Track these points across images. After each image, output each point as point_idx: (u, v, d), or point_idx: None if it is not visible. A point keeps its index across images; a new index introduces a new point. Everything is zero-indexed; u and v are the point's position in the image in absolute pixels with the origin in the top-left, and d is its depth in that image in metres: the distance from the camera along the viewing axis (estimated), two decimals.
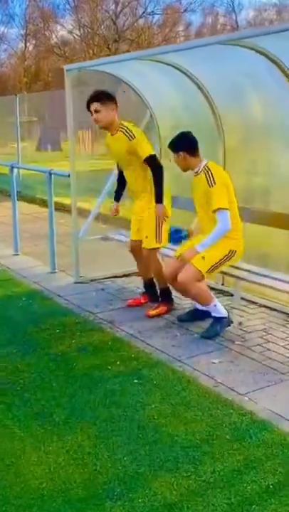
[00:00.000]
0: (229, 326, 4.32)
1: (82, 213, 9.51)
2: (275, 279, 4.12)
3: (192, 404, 3.27)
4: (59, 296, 5.34)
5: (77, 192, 10.89)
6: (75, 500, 2.48)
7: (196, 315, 4.50)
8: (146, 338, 4.26)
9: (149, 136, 5.02)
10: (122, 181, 5.02)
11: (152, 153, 4.52)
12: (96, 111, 4.46)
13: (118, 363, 3.85)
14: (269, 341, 4.18)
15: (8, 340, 4.29)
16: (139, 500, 2.47)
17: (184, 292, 4.34)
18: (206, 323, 4.38)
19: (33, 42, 43.56)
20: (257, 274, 4.28)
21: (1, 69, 46.35)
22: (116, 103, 4.54)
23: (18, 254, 6.95)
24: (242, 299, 5.03)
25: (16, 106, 13.06)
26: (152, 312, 4.70)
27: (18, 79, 41.42)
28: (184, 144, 4.29)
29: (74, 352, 4.05)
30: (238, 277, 4.42)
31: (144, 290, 5.06)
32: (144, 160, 4.50)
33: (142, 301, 4.97)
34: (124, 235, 5.75)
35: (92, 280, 5.81)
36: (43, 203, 9.16)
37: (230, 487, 2.55)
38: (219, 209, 4.09)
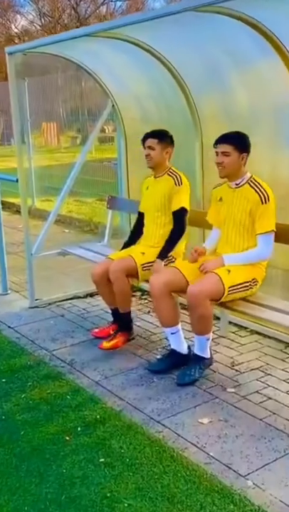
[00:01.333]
0: (209, 366, 3.47)
1: (43, 215, 8.63)
2: (275, 309, 3.26)
3: (178, 499, 2.41)
4: (9, 327, 4.41)
5: (37, 191, 10.05)
6: None
7: (173, 361, 3.57)
8: (115, 388, 3.38)
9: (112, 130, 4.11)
10: (139, 228, 4.15)
11: (187, 207, 3.84)
12: (150, 147, 3.87)
13: (79, 429, 2.96)
14: (269, 385, 3.34)
15: None
16: None
17: (191, 308, 3.26)
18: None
19: None
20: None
21: None
22: (172, 147, 3.94)
23: None
24: (230, 323, 4.20)
25: None
26: (106, 345, 3.84)
27: None
28: (247, 145, 3.38)
29: (23, 412, 3.15)
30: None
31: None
32: (175, 211, 3.83)
33: (111, 331, 4.07)
34: (86, 249, 4.85)
35: (49, 304, 4.89)
36: (6, 207, 8.17)
37: None
38: (267, 232, 3.27)
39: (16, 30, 38.82)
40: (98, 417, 3.07)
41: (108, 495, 2.45)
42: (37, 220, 8.68)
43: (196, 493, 2.44)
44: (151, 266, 3.75)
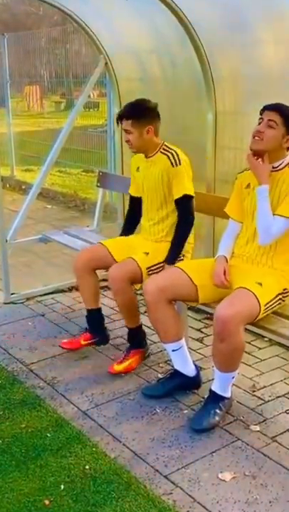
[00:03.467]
0: (230, 407, 2.73)
1: (24, 188, 7.80)
2: None
3: None
4: None
5: (17, 160, 9.17)
6: None
7: (177, 384, 2.88)
8: (108, 422, 2.67)
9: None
10: (135, 216, 3.39)
11: (192, 193, 3.05)
12: (127, 131, 3.06)
13: (62, 487, 2.25)
14: None
15: None
16: None
17: (220, 337, 2.48)
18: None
19: None
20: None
21: None
22: (155, 121, 3.06)
23: None
24: (246, 330, 3.48)
25: None
26: (118, 368, 3.09)
27: None
28: None
29: None
30: None
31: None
32: (177, 199, 3.05)
33: (83, 342, 3.33)
34: (71, 235, 4.09)
35: (28, 299, 4.14)
36: None
37: None
38: None
39: None
40: (87, 467, 2.36)
41: None
42: (17, 193, 7.88)
43: None
44: (158, 269, 3.00)
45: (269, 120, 2.53)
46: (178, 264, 2.88)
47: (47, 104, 15.21)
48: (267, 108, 2.56)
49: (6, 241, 4.00)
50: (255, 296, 2.48)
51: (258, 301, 2.48)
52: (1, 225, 3.97)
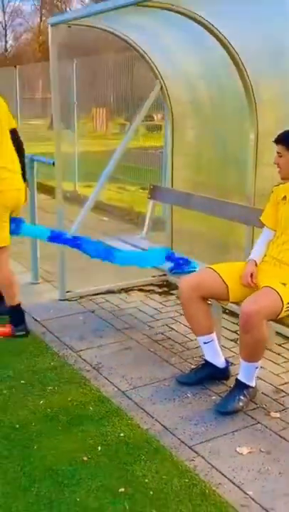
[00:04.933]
0: (253, 398, 3.02)
1: (84, 201, 8.30)
2: None
3: None
4: (35, 320, 4.10)
5: (80, 177, 9.73)
6: None
7: (207, 374, 3.20)
8: (144, 402, 3.01)
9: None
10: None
11: None
12: (278, 154, 3.06)
13: (99, 449, 2.61)
14: None
15: None
16: None
17: (244, 330, 2.77)
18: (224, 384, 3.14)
19: (49, 16, 42.15)
20: None
21: (16, 44, 45.25)
22: None
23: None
24: (278, 333, 3.76)
25: (15, 79, 11.72)
26: None
27: (33, 54, 40.15)
28: None
29: (39, 422, 2.82)
30: None
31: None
32: None
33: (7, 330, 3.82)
34: (124, 241, 4.49)
35: (81, 297, 4.56)
36: (47, 191, 7.88)
37: None
38: None
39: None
40: (122, 435, 2.71)
41: None
42: (77, 206, 8.39)
43: None
44: None
45: (277, 152, 3.01)
46: (211, 265, 3.21)
47: (112, 125, 15.79)
48: (274, 141, 3.02)
49: None
50: (279, 294, 2.78)
51: (281, 299, 2.78)
52: (61, 228, 4.43)
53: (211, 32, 3.60)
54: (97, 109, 15.01)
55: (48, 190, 7.82)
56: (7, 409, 2.94)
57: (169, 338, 3.82)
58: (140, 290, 4.79)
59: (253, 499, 2.28)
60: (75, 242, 3.95)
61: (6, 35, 46.19)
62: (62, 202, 4.40)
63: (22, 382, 3.22)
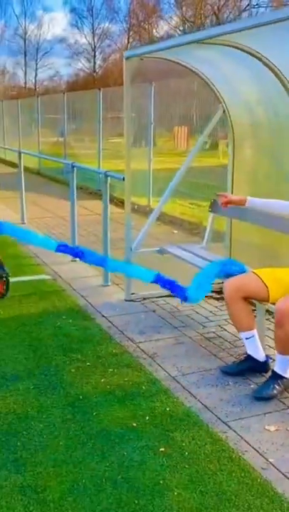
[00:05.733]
0: (287, 389, 3.37)
1: (160, 217, 8.88)
2: None
3: (227, 496, 2.45)
4: (103, 316, 4.65)
5: (154, 192, 10.32)
6: None
7: (249, 366, 3.60)
8: (190, 385, 3.46)
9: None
10: None
11: None
12: None
13: (147, 418, 3.08)
14: None
15: (29, 371, 3.66)
16: None
17: (278, 325, 3.18)
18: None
19: (136, 37, 43.76)
20: None
21: (104, 64, 47.18)
22: None
23: (75, 261, 6.35)
24: None
25: (98, 100, 12.57)
26: None
27: (120, 74, 41.68)
28: None
29: (99, 396, 3.34)
30: None
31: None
32: None
33: None
34: (183, 249, 4.97)
35: (144, 298, 5.08)
36: (121, 204, 8.51)
37: None
38: None
39: (157, 35, 40.13)
40: (168, 409, 3.17)
41: (161, 482, 2.55)
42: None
43: (246, 494, 2.46)
44: None
45: None
46: (255, 270, 3.62)
47: (192, 143, 16.27)
48: None
49: (131, 249, 5.00)
50: None
51: None
52: (130, 238, 4.99)
53: (266, 64, 4.04)
54: (179, 128, 15.61)
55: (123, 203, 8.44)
56: (73, 384, 3.48)
57: (220, 337, 4.24)
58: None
59: (272, 465, 2.67)
60: (60, 247, 4.45)
61: (94, 56, 48.29)
62: (129, 213, 4.94)
63: (88, 364, 3.76)
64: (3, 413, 3.13)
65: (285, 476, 2.59)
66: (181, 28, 38.35)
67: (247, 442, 2.86)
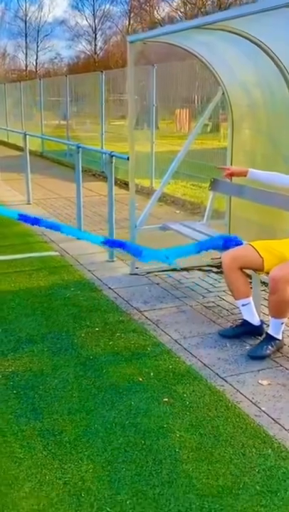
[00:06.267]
0: (279, 349, 3.69)
1: (162, 198, 9.13)
2: None
3: (224, 438, 2.76)
4: (109, 288, 4.95)
5: (157, 173, 10.57)
6: None
7: (245, 330, 3.89)
8: (190, 347, 3.77)
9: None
10: None
11: None
12: None
13: (152, 374, 3.40)
14: None
15: (42, 335, 3.97)
16: None
17: (271, 291, 3.49)
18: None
19: (137, 19, 43.58)
20: None
21: (105, 46, 47.04)
22: None
23: (80, 239, 6.65)
24: None
25: (101, 83, 12.76)
26: None
27: (121, 56, 41.52)
28: None
29: (107, 356, 3.65)
30: None
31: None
32: None
33: None
34: (185, 226, 5.25)
35: (148, 272, 5.37)
36: (125, 185, 8.78)
37: None
38: None
39: (158, 17, 39.96)
40: (170, 367, 3.48)
41: (164, 426, 2.86)
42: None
43: (240, 436, 2.77)
44: None
45: None
46: (251, 242, 3.90)
47: (194, 126, 16.35)
48: None
49: (135, 226, 5.28)
50: None
51: None
52: (133, 215, 5.27)
53: (263, 49, 4.29)
54: (180, 111, 15.75)
55: (128, 186, 8.72)
56: (84, 347, 3.79)
57: (219, 306, 4.54)
58: (199, 270, 5.52)
59: (265, 412, 2.98)
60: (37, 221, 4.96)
61: (95, 39, 48.11)
62: (134, 190, 5.21)
63: (96, 329, 4.07)
64: (20, 371, 3.44)
65: (276, 421, 2.90)
66: (182, 10, 38.20)
67: (242, 394, 3.17)
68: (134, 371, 3.44)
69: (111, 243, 4.96)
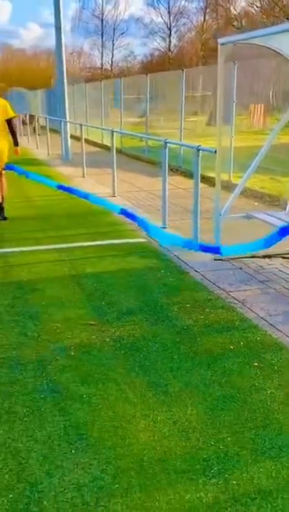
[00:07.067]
0: None
1: (241, 191, 9.47)
2: None
3: None
4: (196, 271, 5.38)
5: (235, 168, 10.90)
6: (171, 471, 2.54)
7: None
8: (276, 323, 4.14)
9: None
10: None
11: None
12: None
13: (242, 343, 3.80)
14: None
15: (140, 308, 4.45)
16: (234, 482, 2.46)
17: None
18: None
19: (213, 15, 43.65)
20: None
21: (180, 43, 47.44)
22: None
23: (165, 228, 7.12)
24: None
25: (182, 81, 13.19)
26: None
27: (195, 53, 41.82)
28: None
29: (200, 327, 4.08)
30: None
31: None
32: None
33: None
34: (269, 215, 5.59)
35: (232, 259, 5.76)
36: (203, 179, 9.18)
37: None
38: None
39: (234, 12, 39.89)
40: (258, 338, 3.87)
41: (256, 384, 3.27)
42: (230, 193, 9.59)
43: None
44: None
45: None
46: None
47: (269, 121, 16.45)
48: None
49: (220, 215, 5.68)
50: None
51: None
52: (218, 204, 5.67)
53: None
54: (255, 106, 15.86)
55: (207, 180, 9.13)
56: (178, 319, 4.24)
57: None
58: (282, 257, 5.85)
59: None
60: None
61: (170, 36, 48.59)
62: (219, 182, 5.61)
63: (187, 305, 4.51)
64: (125, 335, 3.94)
65: None
66: (258, 5, 37.89)
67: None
68: (226, 340, 3.85)
69: (126, 213, 5.56)
